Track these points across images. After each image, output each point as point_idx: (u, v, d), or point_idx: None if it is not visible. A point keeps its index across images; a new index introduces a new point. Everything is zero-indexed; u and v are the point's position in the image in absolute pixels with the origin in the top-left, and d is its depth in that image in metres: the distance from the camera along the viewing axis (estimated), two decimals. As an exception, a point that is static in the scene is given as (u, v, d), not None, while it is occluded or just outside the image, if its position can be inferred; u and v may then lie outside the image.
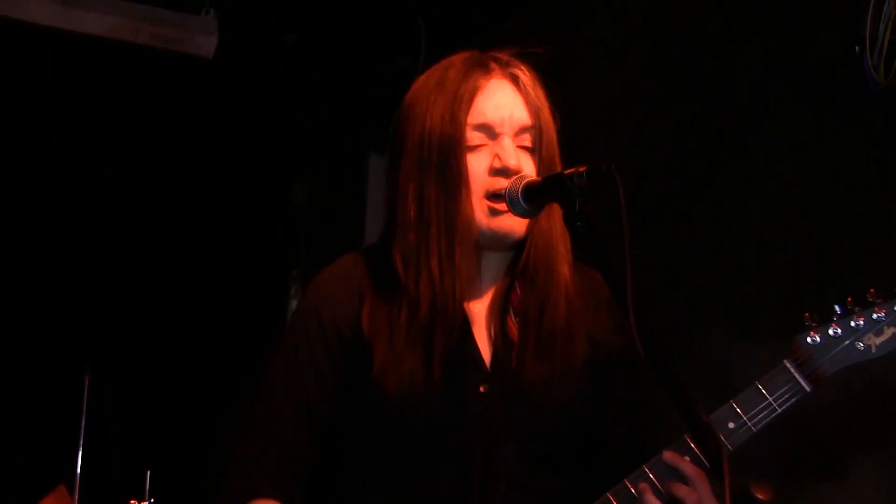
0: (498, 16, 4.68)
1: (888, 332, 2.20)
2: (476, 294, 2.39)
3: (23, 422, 4.69)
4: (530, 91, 2.40)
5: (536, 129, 2.39)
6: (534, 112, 2.39)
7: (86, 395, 4.02)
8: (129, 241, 5.15)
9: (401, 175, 2.37)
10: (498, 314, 2.38)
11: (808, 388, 2.20)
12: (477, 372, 2.33)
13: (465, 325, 2.35)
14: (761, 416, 2.19)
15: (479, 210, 2.32)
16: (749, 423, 2.19)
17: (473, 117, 2.35)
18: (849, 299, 2.21)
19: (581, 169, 2.11)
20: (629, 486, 2.22)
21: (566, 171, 2.15)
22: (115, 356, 4.75)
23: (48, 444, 4.37)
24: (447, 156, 2.32)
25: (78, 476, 3.95)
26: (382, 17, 5.01)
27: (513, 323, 2.38)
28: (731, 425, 2.19)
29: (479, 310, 2.39)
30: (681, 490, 2.17)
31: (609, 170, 2.07)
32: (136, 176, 5.17)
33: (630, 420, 2.46)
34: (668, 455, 2.20)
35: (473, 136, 2.35)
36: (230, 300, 5.19)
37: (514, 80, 2.41)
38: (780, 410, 2.19)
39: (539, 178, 2.27)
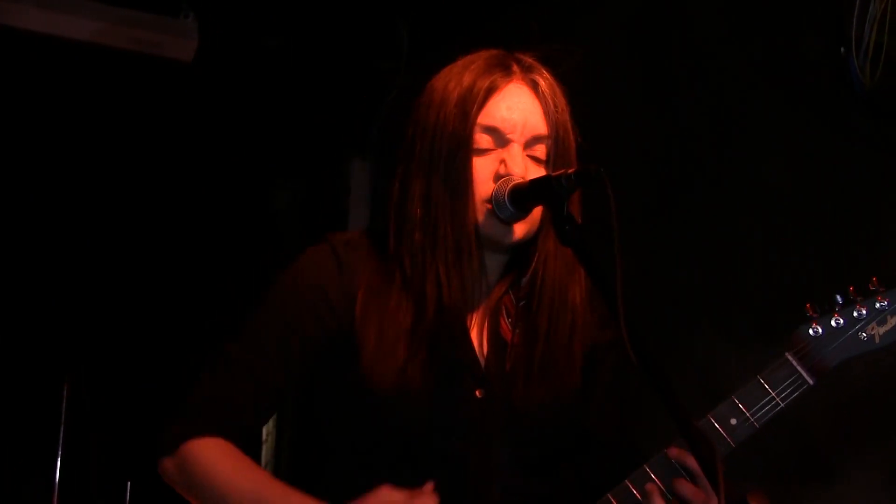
0: (480, 19, 4.64)
1: (892, 322, 2.17)
2: (472, 296, 2.34)
3: (0, 429, 4.66)
4: (549, 100, 2.32)
5: (552, 141, 2.32)
6: (551, 122, 2.31)
7: (65, 403, 4.00)
8: (110, 247, 5.10)
9: (410, 170, 2.31)
10: (493, 318, 2.35)
11: (811, 381, 2.17)
12: (472, 375, 2.30)
13: (463, 327, 2.31)
14: (764, 410, 2.16)
15: (481, 214, 2.26)
16: (752, 419, 2.16)
17: (484, 118, 2.27)
18: (850, 289, 2.18)
19: (569, 171, 2.09)
20: (631, 487, 2.19)
21: (553, 174, 2.13)
22: (94, 364, 4.73)
23: (27, 452, 4.34)
24: (454, 155, 2.25)
25: (56, 486, 3.92)
26: (364, 20, 4.98)
27: (507, 327, 2.34)
28: (733, 421, 2.16)
29: (473, 312, 2.34)
30: (686, 488, 2.14)
31: (597, 172, 2.03)
32: (115, 181, 5.12)
33: (617, 413, 2.44)
34: (674, 452, 2.17)
35: (482, 139, 2.27)
36: (211, 306, 5.13)
37: (534, 87, 2.32)
38: (782, 405, 2.16)
39: (526, 181, 2.22)
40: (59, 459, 3.98)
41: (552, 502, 2.34)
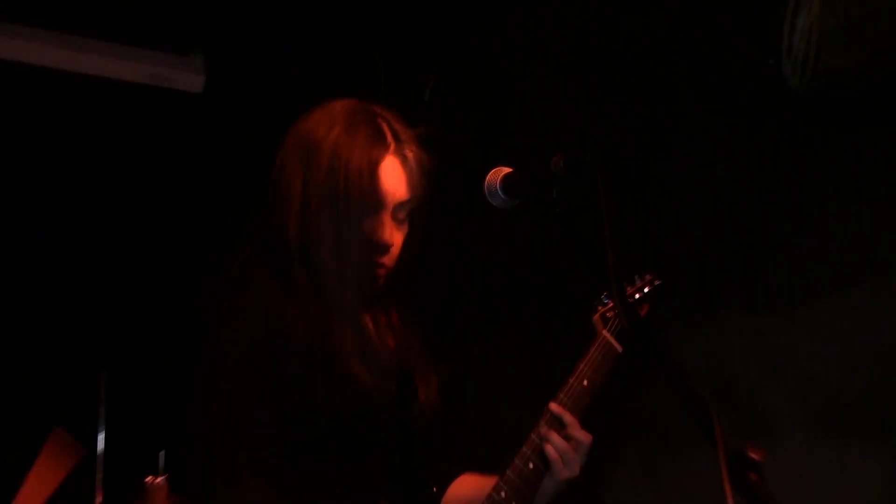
0: (457, 51, 4.69)
1: (644, 308, 2.73)
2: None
3: (44, 413, 4.77)
4: (415, 171, 2.48)
5: (411, 204, 2.50)
6: (413, 189, 2.48)
7: (104, 391, 4.12)
8: (100, 272, 5.21)
9: (311, 201, 2.41)
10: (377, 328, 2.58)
11: (619, 349, 2.57)
12: (388, 371, 2.47)
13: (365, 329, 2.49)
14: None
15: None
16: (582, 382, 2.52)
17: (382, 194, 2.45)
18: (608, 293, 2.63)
19: (557, 157, 2.12)
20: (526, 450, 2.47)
21: (548, 160, 2.16)
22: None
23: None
24: (364, 211, 2.42)
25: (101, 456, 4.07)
26: (339, 52, 4.94)
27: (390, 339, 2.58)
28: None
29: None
30: (555, 440, 2.42)
31: (586, 158, 2.09)
32: (117, 214, 5.22)
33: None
34: (553, 407, 2.44)
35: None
36: (174, 335, 4.96)
37: (404, 161, 2.47)
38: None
39: (517, 170, 2.26)
40: (102, 435, 4.06)
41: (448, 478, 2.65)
